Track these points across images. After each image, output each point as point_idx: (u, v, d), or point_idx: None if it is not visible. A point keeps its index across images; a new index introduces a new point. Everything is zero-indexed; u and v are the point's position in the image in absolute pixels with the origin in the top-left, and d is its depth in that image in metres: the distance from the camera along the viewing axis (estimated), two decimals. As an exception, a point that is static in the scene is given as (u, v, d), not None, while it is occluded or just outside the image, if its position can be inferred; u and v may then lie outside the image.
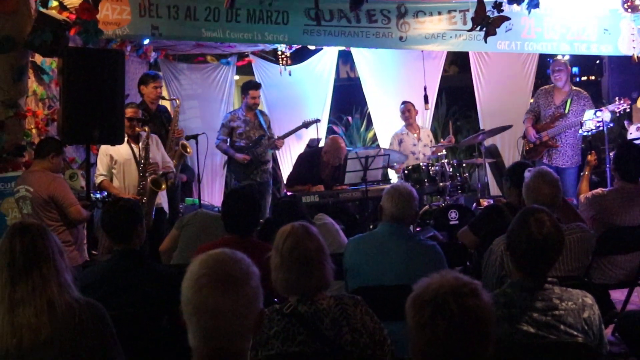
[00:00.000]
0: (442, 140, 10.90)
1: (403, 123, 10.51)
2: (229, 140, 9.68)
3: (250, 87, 9.83)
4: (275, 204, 5.53)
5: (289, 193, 9.68)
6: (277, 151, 10.78)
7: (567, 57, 9.82)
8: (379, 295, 4.21)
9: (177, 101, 8.98)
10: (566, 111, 9.18)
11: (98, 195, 7.44)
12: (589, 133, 8.84)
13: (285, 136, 9.97)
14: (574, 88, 9.52)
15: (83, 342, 3.09)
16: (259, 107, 9.97)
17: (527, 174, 4.93)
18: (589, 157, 7.07)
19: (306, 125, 9.68)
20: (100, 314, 3.19)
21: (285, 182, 9.92)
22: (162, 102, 9.26)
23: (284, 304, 3.25)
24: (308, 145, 10.20)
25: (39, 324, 3.02)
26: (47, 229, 3.27)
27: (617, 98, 9.11)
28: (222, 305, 2.25)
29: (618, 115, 9.39)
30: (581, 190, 6.43)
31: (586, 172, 6.74)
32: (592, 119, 8.70)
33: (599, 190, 6.03)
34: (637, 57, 9.02)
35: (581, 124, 8.89)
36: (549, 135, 9.28)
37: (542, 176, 4.82)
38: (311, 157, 9.42)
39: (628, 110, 9.16)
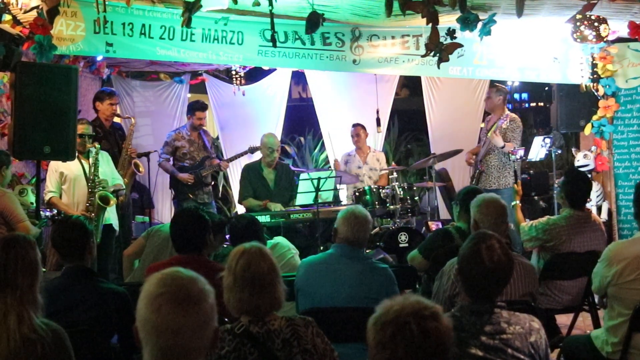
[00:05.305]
0: (393, 164, 10.97)
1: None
2: (172, 159, 9.56)
3: (197, 107, 9.67)
4: (232, 224, 5.49)
5: (241, 209, 9.63)
6: (228, 171, 10.74)
7: (516, 84, 9.94)
8: (330, 317, 4.23)
9: (133, 120, 8.91)
10: (488, 135, 9.28)
11: (47, 213, 7.36)
12: (517, 160, 8.95)
13: (231, 159, 9.93)
14: (507, 113, 9.48)
15: None
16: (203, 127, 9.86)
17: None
18: (515, 186, 7.18)
19: (252, 150, 9.60)
20: (61, 344, 3.15)
21: (237, 198, 9.86)
22: (116, 120, 9.20)
23: (235, 323, 3.24)
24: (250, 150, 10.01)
25: None
26: (29, 245, 3.22)
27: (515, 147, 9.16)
28: (181, 324, 2.26)
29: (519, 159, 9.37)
30: (519, 220, 6.48)
31: (517, 202, 6.80)
32: (542, 146, 8.83)
33: (545, 218, 6.12)
34: (585, 86, 9.17)
35: (505, 153, 9.01)
36: (477, 158, 9.40)
37: (488, 195, 4.99)
38: (256, 165, 9.36)
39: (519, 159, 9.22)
